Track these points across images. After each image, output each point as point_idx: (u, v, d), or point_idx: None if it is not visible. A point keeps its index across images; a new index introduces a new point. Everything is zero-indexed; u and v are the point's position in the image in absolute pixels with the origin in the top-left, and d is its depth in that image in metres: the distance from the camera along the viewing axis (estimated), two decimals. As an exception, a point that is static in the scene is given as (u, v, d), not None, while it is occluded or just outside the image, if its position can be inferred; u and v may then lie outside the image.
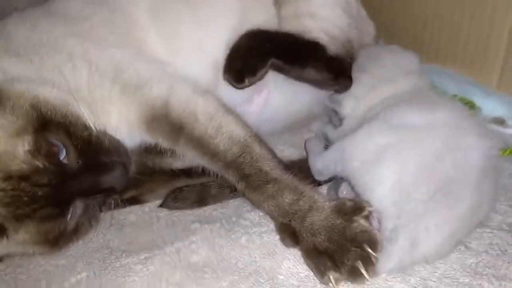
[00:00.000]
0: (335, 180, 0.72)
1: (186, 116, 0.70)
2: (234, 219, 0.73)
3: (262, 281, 0.61)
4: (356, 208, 0.61)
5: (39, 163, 0.60)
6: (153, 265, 0.67)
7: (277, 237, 0.67)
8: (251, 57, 0.76)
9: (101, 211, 0.71)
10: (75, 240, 0.69)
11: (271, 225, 0.69)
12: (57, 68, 0.69)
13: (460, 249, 0.61)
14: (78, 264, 0.71)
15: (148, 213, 0.81)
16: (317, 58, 0.78)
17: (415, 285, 0.57)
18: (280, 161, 0.70)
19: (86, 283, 0.67)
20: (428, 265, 0.59)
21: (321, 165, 0.70)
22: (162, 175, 0.82)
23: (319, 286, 0.59)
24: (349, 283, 0.58)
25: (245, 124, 0.72)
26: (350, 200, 0.63)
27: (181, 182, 0.81)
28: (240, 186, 0.67)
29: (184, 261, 0.67)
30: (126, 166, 0.68)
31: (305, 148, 0.80)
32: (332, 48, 0.80)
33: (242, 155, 0.68)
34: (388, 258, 0.56)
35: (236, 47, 0.79)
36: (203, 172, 0.79)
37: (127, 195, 0.78)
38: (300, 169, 0.75)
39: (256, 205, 0.68)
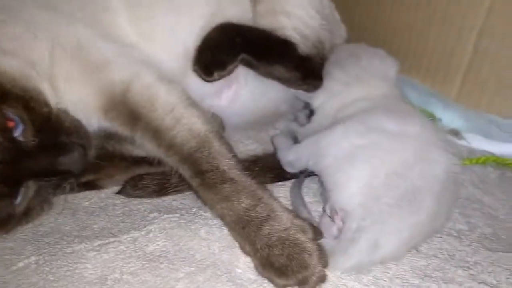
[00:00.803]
0: (298, 180, 0.72)
1: (145, 105, 0.67)
2: (194, 210, 0.72)
3: (219, 273, 0.61)
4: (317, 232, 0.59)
5: None
6: (107, 253, 0.65)
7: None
8: (221, 50, 0.76)
9: (54, 195, 0.68)
10: (24, 224, 0.66)
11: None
12: (18, 37, 0.65)
13: (411, 251, 0.63)
14: (27, 248, 0.67)
15: (104, 199, 0.79)
16: (288, 56, 0.78)
17: (367, 284, 0.59)
18: (240, 162, 0.66)
19: (34, 268, 0.64)
20: (381, 265, 0.61)
21: (293, 157, 0.70)
22: (122, 161, 0.80)
23: (275, 281, 0.60)
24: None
25: (207, 120, 0.69)
26: (301, 215, 0.62)
27: (142, 170, 0.79)
28: (194, 183, 0.64)
29: (140, 251, 0.65)
30: (85, 149, 0.65)
31: (272, 143, 0.80)
32: (303, 48, 0.80)
33: (200, 150, 0.64)
34: (348, 258, 0.57)
35: (207, 39, 0.78)
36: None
37: (84, 179, 0.75)
38: (265, 164, 0.75)
39: (209, 206, 0.64)
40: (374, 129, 0.61)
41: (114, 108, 0.68)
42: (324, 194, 0.66)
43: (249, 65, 0.78)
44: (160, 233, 0.68)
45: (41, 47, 0.66)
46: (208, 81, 0.76)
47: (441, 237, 0.66)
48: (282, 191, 0.74)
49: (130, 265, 0.63)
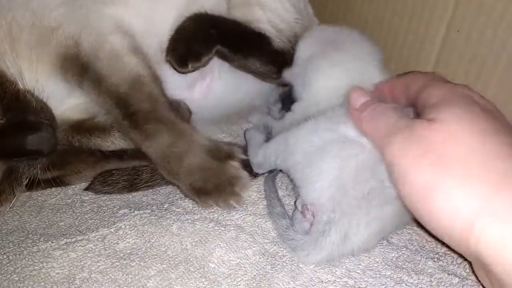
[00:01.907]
0: (273, 173, 0.72)
1: (91, 55, 0.70)
2: (166, 206, 0.71)
3: (192, 269, 0.60)
4: (229, 154, 0.68)
5: None
6: (74, 251, 0.63)
7: (211, 224, 0.66)
8: (196, 42, 0.74)
9: (25, 177, 0.66)
10: None
11: (205, 213, 0.68)
12: None
13: (382, 243, 0.64)
14: (-11, 247, 0.64)
15: (71, 196, 0.76)
16: (262, 50, 0.78)
17: (340, 276, 0.59)
18: (168, 104, 0.71)
19: (-3, 269, 0.61)
20: (353, 258, 0.62)
21: (261, 157, 0.69)
22: (90, 156, 0.77)
23: (249, 274, 0.59)
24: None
25: (147, 65, 0.73)
26: (225, 144, 0.69)
27: (111, 165, 0.77)
28: (124, 124, 0.69)
29: (109, 249, 0.64)
30: (53, 128, 0.65)
31: (245, 138, 0.79)
32: (278, 42, 0.80)
33: (131, 93, 0.69)
34: (320, 250, 0.57)
35: (182, 29, 0.76)
36: (136, 155, 0.76)
37: (50, 175, 0.72)
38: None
39: (136, 144, 0.70)
40: (344, 123, 0.61)
41: (68, 62, 0.70)
42: (295, 191, 0.66)
43: (224, 57, 0.76)
44: (131, 230, 0.66)
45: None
46: (182, 73, 0.74)
47: (411, 229, 0.67)
48: (255, 184, 0.73)
49: (99, 264, 0.61)
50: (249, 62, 0.77)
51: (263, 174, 0.73)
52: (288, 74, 0.76)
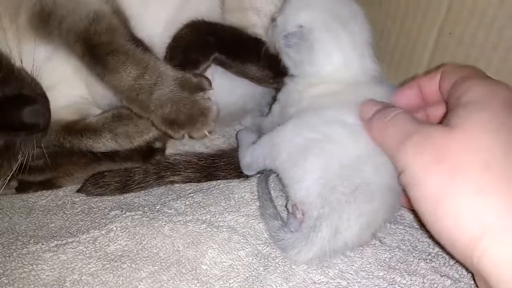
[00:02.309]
0: (265, 174, 0.72)
1: (52, 3, 0.69)
2: (158, 207, 0.70)
3: (184, 271, 0.59)
4: (199, 85, 0.68)
5: None
6: (65, 253, 0.62)
7: (203, 225, 0.66)
8: (194, 50, 0.75)
9: (22, 152, 0.65)
10: None
11: (197, 214, 0.68)
12: None
13: (375, 244, 0.64)
14: (-22, 249, 0.64)
15: (62, 197, 0.75)
16: (259, 55, 0.78)
17: (333, 277, 0.59)
18: (133, 36, 0.70)
19: (-14, 271, 0.60)
20: (346, 259, 0.61)
21: (249, 159, 0.69)
22: (82, 158, 0.76)
23: (241, 276, 0.59)
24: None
25: (111, 1, 0.73)
26: (194, 75, 0.68)
27: (103, 167, 0.76)
28: (85, 60, 0.67)
29: (100, 251, 0.63)
30: (47, 102, 0.65)
31: (236, 139, 0.79)
32: (270, 45, 0.80)
33: (93, 25, 0.67)
34: (311, 245, 0.57)
35: (179, 37, 0.76)
36: (128, 157, 0.75)
37: (41, 177, 0.71)
38: (231, 158, 0.74)
39: (100, 79, 0.68)
40: (329, 122, 0.61)
41: (35, 19, 0.70)
42: (283, 190, 0.66)
43: (221, 64, 0.77)
44: (122, 232, 0.66)
45: None
46: None
47: (404, 229, 0.67)
48: (248, 186, 0.73)
49: (90, 266, 0.61)
50: (247, 68, 0.77)
51: (254, 175, 0.73)
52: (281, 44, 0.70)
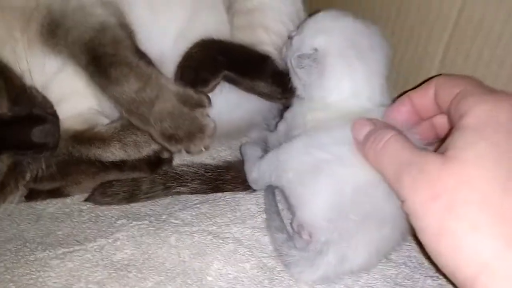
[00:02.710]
0: (272, 186, 0.72)
1: (60, 13, 0.70)
2: (164, 217, 0.70)
3: (189, 282, 0.59)
4: (199, 102, 0.69)
5: None
6: (72, 261, 0.63)
7: (209, 236, 0.66)
8: (204, 68, 0.76)
9: (30, 171, 0.66)
10: None
11: (203, 225, 0.68)
12: None
13: (381, 260, 0.63)
14: (-13, 255, 0.64)
15: (69, 205, 0.76)
16: (268, 72, 0.79)
17: (339, 292, 0.59)
18: (137, 50, 0.71)
19: (-6, 277, 0.61)
20: (352, 274, 0.61)
21: (256, 174, 0.69)
22: (90, 167, 0.77)
23: (247, 288, 0.59)
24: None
25: (118, 13, 0.74)
26: (195, 91, 0.70)
27: (111, 176, 0.76)
28: (89, 70, 0.69)
29: (106, 259, 0.63)
30: (57, 122, 0.66)
31: (240, 153, 0.79)
32: (282, 63, 0.81)
33: (97, 37, 0.69)
34: (316, 269, 0.56)
35: (189, 57, 0.78)
36: (136, 167, 0.76)
37: (50, 186, 0.72)
38: (238, 171, 0.75)
39: (102, 90, 0.70)
40: (340, 144, 0.59)
41: (44, 29, 0.70)
42: (290, 208, 0.65)
43: (230, 81, 0.78)
44: (128, 241, 0.66)
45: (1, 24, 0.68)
46: None
47: (410, 245, 0.67)
48: (254, 198, 0.74)
49: (96, 274, 0.61)
50: (255, 84, 0.78)
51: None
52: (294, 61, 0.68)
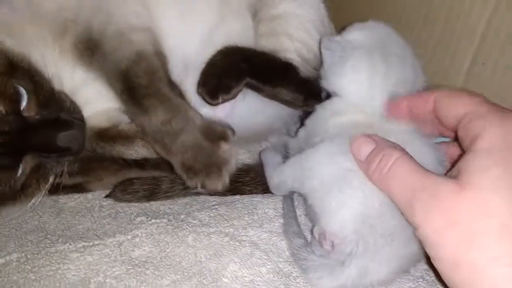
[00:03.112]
0: (290, 191, 0.72)
1: (99, 35, 0.72)
2: (182, 216, 0.71)
3: (205, 282, 0.60)
4: (222, 135, 0.70)
5: (1, 109, 0.58)
6: (91, 255, 0.64)
7: (226, 238, 0.66)
8: (226, 75, 0.77)
9: (52, 173, 0.68)
10: (18, 202, 0.66)
11: (221, 226, 0.69)
12: (9, 20, 0.68)
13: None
14: (9, 244, 0.66)
15: (91, 200, 0.78)
16: (290, 79, 0.80)
17: (354, 305, 0.58)
18: (169, 80, 0.74)
19: (16, 266, 0.62)
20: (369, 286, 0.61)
21: (277, 180, 0.68)
22: (113, 164, 0.79)
23: (262, 293, 0.59)
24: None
25: (153, 41, 0.76)
26: (219, 124, 0.71)
27: (132, 174, 0.78)
28: (123, 98, 0.71)
29: (125, 255, 0.64)
30: (83, 128, 0.67)
31: (260, 158, 0.79)
32: (304, 70, 0.82)
33: (132, 67, 0.71)
34: (335, 278, 0.56)
35: (212, 64, 0.79)
36: (157, 165, 0.77)
37: (73, 181, 0.74)
38: (257, 174, 0.75)
39: (131, 117, 0.73)
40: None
41: (81, 46, 0.72)
42: (310, 215, 0.65)
43: (253, 88, 0.79)
44: (147, 238, 0.67)
45: (22, 24, 0.69)
46: (212, 105, 0.77)
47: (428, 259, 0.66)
48: (272, 202, 0.74)
49: (114, 269, 0.62)
50: (277, 91, 0.79)
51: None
52: (330, 52, 0.69)
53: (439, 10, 0.85)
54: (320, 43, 0.71)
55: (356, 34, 0.68)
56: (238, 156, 0.87)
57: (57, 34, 0.72)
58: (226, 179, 0.69)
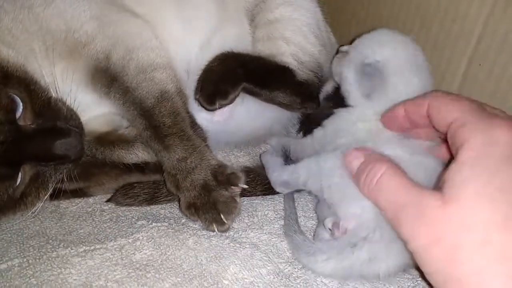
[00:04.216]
0: (291, 192, 0.73)
1: (120, 69, 0.74)
2: (183, 220, 0.72)
3: (206, 285, 0.60)
4: (233, 180, 0.69)
5: None
6: (92, 259, 0.64)
7: (226, 241, 0.67)
8: (223, 81, 0.78)
9: (51, 181, 0.67)
10: (18, 210, 0.66)
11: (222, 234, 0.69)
12: (12, 30, 0.68)
13: (399, 272, 0.63)
14: (11, 250, 0.66)
15: (91, 204, 0.78)
16: (287, 83, 0.81)
17: (355, 304, 0.59)
18: (190, 118, 0.76)
19: (17, 271, 0.62)
20: (368, 284, 0.61)
21: (287, 177, 0.70)
22: (113, 169, 0.79)
23: (263, 294, 0.59)
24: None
25: (174, 79, 0.77)
26: (232, 168, 0.71)
27: (133, 178, 0.78)
28: (146, 134, 0.73)
29: (126, 259, 0.65)
30: (81, 135, 0.67)
31: (260, 161, 0.80)
32: (301, 73, 0.83)
33: (157, 106, 0.73)
34: (343, 258, 0.57)
35: (209, 70, 0.81)
36: (157, 169, 0.77)
37: (74, 186, 0.74)
38: (256, 176, 0.76)
39: (153, 152, 0.74)
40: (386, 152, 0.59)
41: (98, 74, 0.74)
42: (321, 210, 0.66)
43: (250, 92, 0.80)
44: (148, 242, 0.67)
45: (30, 37, 0.70)
46: (209, 110, 0.78)
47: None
48: (272, 204, 0.74)
49: (115, 273, 0.62)
50: (274, 95, 0.80)
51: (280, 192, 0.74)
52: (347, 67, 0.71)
53: (436, 12, 0.85)
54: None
55: (385, 51, 0.68)
56: (238, 159, 0.88)
57: (64, 52, 0.72)
58: (227, 225, 0.68)
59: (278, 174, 0.71)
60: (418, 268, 0.57)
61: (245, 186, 0.70)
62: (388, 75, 0.66)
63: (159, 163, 0.74)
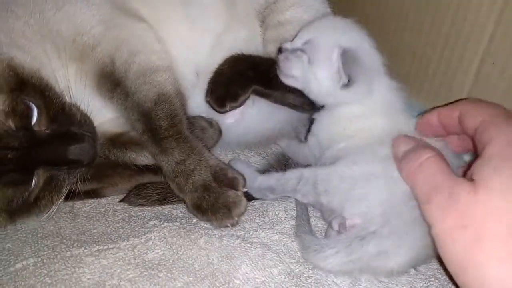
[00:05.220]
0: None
1: (122, 73, 0.74)
2: (194, 220, 0.72)
3: (217, 284, 0.61)
4: (232, 183, 0.70)
5: (12, 124, 0.59)
6: (105, 259, 0.65)
7: (237, 240, 0.67)
8: (233, 84, 0.79)
9: (65, 185, 0.68)
10: (33, 213, 0.67)
11: (232, 229, 0.70)
12: (22, 32, 0.69)
13: (410, 272, 0.63)
14: (26, 250, 0.67)
15: (104, 205, 0.79)
16: None
17: (366, 304, 0.59)
18: (187, 121, 0.75)
19: (32, 271, 0.64)
20: (380, 284, 0.61)
21: (274, 183, 0.70)
22: (126, 170, 0.80)
23: (274, 294, 0.60)
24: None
25: (173, 81, 0.78)
26: (232, 171, 0.71)
27: (145, 179, 0.79)
28: (144, 138, 0.73)
29: (138, 258, 0.65)
30: (95, 140, 0.68)
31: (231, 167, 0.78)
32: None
33: (155, 109, 0.73)
34: (352, 252, 0.57)
35: (220, 72, 0.81)
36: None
37: (88, 187, 0.75)
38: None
39: (151, 155, 0.74)
40: (385, 158, 0.61)
41: (103, 78, 0.75)
42: (326, 212, 0.66)
43: (260, 94, 0.81)
44: (160, 241, 0.68)
45: (41, 40, 0.71)
46: (220, 112, 0.79)
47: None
48: (282, 204, 0.75)
49: (128, 272, 0.63)
50: (284, 97, 0.80)
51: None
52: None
53: (447, 10, 0.85)
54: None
55: (352, 36, 0.70)
56: (249, 159, 0.89)
57: (74, 56, 0.73)
58: (235, 219, 0.69)
59: (261, 179, 0.71)
60: (440, 260, 0.57)
61: (246, 189, 0.71)
62: (361, 56, 0.67)
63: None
